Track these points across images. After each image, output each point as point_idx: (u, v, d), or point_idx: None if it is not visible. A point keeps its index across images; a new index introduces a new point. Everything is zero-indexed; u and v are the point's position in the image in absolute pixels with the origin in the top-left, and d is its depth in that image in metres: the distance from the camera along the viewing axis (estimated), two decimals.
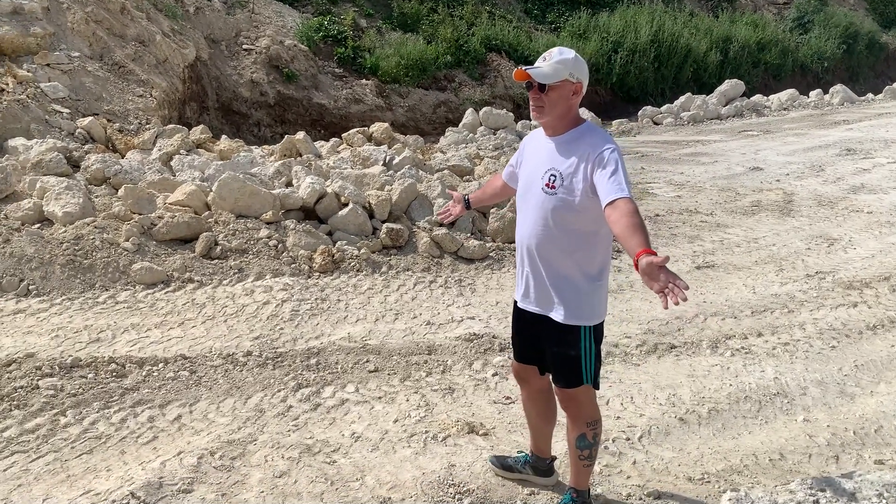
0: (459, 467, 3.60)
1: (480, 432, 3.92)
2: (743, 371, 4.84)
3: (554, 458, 3.58)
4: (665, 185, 10.40)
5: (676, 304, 2.40)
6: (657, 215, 8.66)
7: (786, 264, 6.98)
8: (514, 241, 7.28)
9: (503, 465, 3.60)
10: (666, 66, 19.29)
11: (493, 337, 5.19)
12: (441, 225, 7.27)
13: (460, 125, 14.54)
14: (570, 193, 2.92)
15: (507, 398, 4.35)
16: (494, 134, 14.17)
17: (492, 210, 7.54)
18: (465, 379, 4.61)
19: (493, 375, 4.65)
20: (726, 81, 18.51)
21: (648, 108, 17.37)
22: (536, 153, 3.12)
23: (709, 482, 3.63)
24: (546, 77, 2.95)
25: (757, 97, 18.39)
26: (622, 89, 18.95)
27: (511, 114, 14.89)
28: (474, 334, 5.20)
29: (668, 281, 2.43)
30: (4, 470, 3.51)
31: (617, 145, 2.93)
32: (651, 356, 5.05)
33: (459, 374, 4.69)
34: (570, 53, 3.00)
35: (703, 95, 18.01)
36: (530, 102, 3.04)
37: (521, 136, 14.25)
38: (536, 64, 3.00)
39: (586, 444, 3.19)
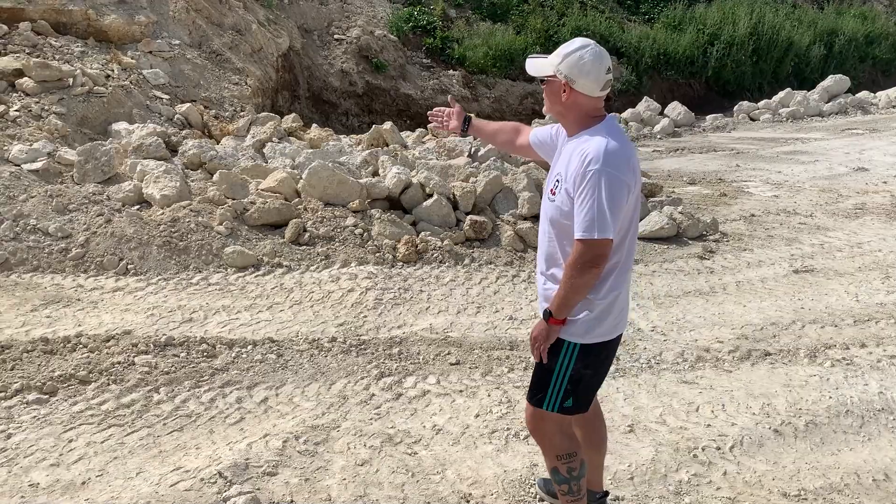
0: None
1: None
2: (844, 383, 4.58)
3: (606, 494, 3.22)
4: (761, 183, 9.97)
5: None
6: (752, 215, 8.30)
7: (893, 272, 6.56)
8: None
9: (549, 491, 3.29)
10: (765, 59, 18.48)
11: None
12: (525, 218, 7.18)
13: (547, 117, 14.36)
14: (565, 202, 2.65)
15: None
16: None
17: None
18: None
19: None
20: (830, 77, 17.58)
21: (745, 103, 16.68)
22: (560, 153, 2.82)
23: (805, 499, 3.45)
24: (532, 69, 2.72)
25: (863, 94, 17.40)
26: (717, 83, 18.28)
27: None
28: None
29: (534, 346, 2.71)
30: (102, 442, 3.65)
31: (612, 162, 2.53)
32: (744, 363, 4.83)
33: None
34: (571, 46, 2.65)
35: (804, 91, 17.16)
36: None
37: None
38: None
39: (561, 478, 2.86)
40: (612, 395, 4.32)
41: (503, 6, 17.13)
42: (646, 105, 15.03)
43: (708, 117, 15.82)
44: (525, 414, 2.94)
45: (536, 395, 2.79)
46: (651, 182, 8.33)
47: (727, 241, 7.39)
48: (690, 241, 7.29)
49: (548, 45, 16.34)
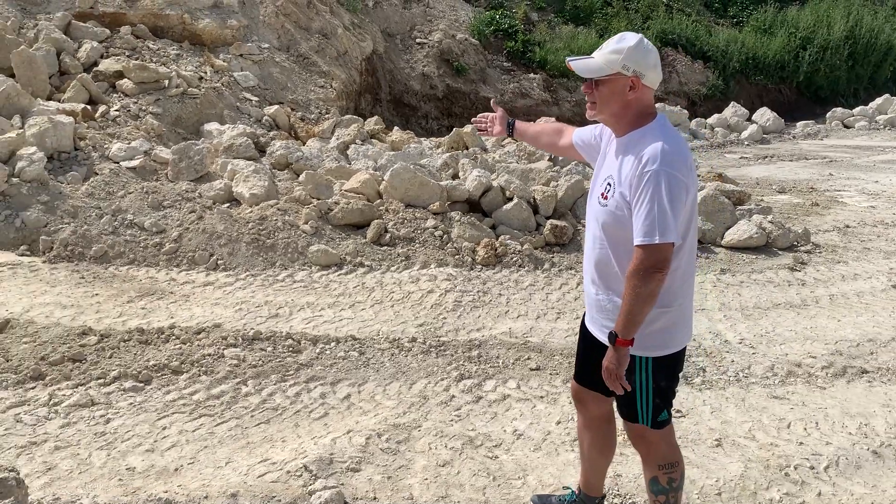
0: (625, 478, 3.46)
1: None
2: None
3: (603, 497, 3.14)
4: (856, 193, 9.54)
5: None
6: (847, 226, 7.95)
7: None
8: None
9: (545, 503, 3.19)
10: (861, 64, 17.71)
11: None
12: None
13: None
14: (620, 206, 2.51)
15: (678, 412, 4.14)
16: None
17: None
18: None
19: None
20: None
21: (839, 109, 16.04)
22: (605, 156, 2.71)
23: None
24: (591, 70, 2.53)
25: None
26: (809, 89, 17.63)
27: (685, 111, 14.28)
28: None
29: (610, 377, 2.54)
30: (193, 431, 3.78)
31: (670, 161, 2.41)
32: (839, 380, 4.62)
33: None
34: (630, 41, 2.52)
35: None
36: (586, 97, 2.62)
37: (695, 135, 13.64)
38: (594, 53, 2.58)
39: (660, 489, 2.73)
40: (699, 408, 4.20)
41: (586, 9, 16.96)
42: (733, 110, 14.62)
43: (798, 124, 15.27)
44: (589, 425, 2.89)
45: (628, 413, 2.71)
46: (739, 190, 8.08)
47: (820, 252, 7.10)
48: (780, 252, 7.03)
49: None
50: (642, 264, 2.41)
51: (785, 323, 5.51)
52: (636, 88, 2.53)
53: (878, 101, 16.11)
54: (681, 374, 2.80)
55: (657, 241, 2.39)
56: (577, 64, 2.58)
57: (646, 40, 2.58)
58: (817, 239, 7.45)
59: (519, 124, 3.23)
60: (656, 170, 2.40)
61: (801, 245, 7.21)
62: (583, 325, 2.88)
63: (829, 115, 15.87)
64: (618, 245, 2.57)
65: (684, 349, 2.72)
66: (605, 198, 2.57)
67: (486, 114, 3.31)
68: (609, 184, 2.58)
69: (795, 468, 3.63)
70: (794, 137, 14.43)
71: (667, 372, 2.65)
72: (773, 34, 17.46)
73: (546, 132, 3.18)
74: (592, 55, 2.58)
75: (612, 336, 2.51)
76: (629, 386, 2.56)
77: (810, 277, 6.45)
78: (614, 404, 2.86)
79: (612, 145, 2.67)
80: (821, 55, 17.20)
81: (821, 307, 5.82)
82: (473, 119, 3.36)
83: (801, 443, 3.87)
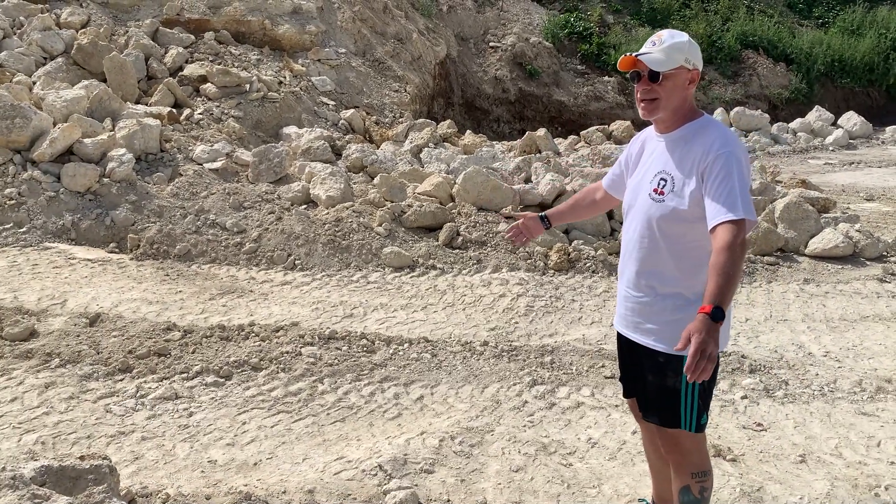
0: None
1: (728, 458, 3.65)
2: None
3: None
4: None
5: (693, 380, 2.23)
6: None
7: None
8: (767, 254, 6.75)
9: None
10: None
11: (743, 357, 4.82)
12: None
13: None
14: (680, 201, 2.50)
15: (759, 425, 4.01)
16: (746, 136, 13.26)
17: None
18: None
19: (742, 398, 4.31)
20: None
21: None
22: (647, 155, 2.70)
23: None
24: (659, 63, 2.53)
25: None
26: None
27: (766, 115, 13.86)
28: (721, 352, 4.85)
29: (704, 358, 2.21)
30: (272, 426, 3.87)
31: (739, 146, 2.49)
32: None
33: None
34: (683, 36, 2.60)
35: None
36: (638, 95, 2.61)
37: (776, 140, 13.21)
38: (644, 49, 2.60)
39: (691, 499, 2.65)
40: (781, 422, 4.06)
41: (663, 11, 16.66)
42: (817, 115, 14.10)
43: (888, 129, 14.59)
44: (656, 438, 2.78)
45: (668, 418, 2.63)
46: (824, 196, 7.78)
47: None
48: (868, 262, 6.74)
49: (711, 51, 15.72)
50: (736, 238, 2.33)
51: (873, 336, 5.28)
52: (695, 82, 2.62)
53: None
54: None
55: (742, 216, 2.36)
56: (648, 58, 2.56)
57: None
58: None
59: (551, 213, 3.20)
60: (731, 151, 2.45)
61: (892, 255, 6.89)
62: (619, 337, 2.80)
63: None
64: (674, 241, 2.54)
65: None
66: (660, 192, 2.55)
67: (513, 225, 3.20)
68: (664, 179, 2.56)
69: (886, 489, 3.46)
70: (883, 143, 13.81)
71: (714, 370, 2.54)
72: (861, 35, 16.76)
73: (581, 202, 3.18)
74: (648, 51, 2.57)
75: (719, 311, 2.26)
76: (709, 374, 2.35)
77: None
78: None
79: (653, 146, 2.69)
80: None
81: None
82: (506, 236, 3.28)
83: (892, 462, 3.70)
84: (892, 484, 3.51)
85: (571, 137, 11.47)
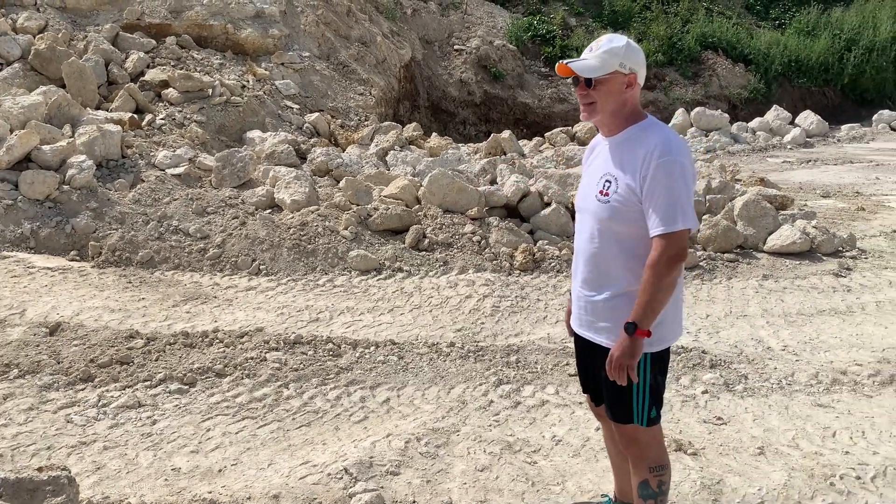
0: None
1: (689, 451, 3.72)
2: None
3: None
4: None
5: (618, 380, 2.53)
6: (894, 231, 7.76)
7: None
8: (727, 251, 6.88)
9: None
10: None
11: (704, 352, 4.91)
12: None
13: (669, 126, 13.98)
14: (624, 202, 2.54)
15: (719, 419, 4.09)
16: (706, 136, 13.49)
17: (704, 217, 7.15)
18: (672, 394, 4.39)
19: (703, 393, 4.39)
20: None
21: (885, 112, 15.68)
22: (595, 157, 2.76)
23: None
24: (592, 70, 2.58)
25: None
26: (854, 91, 17.27)
27: (726, 115, 14.10)
28: (682, 347, 4.95)
29: (620, 368, 2.52)
30: (236, 433, 3.86)
31: (681, 151, 2.51)
32: (887, 388, 4.52)
33: (666, 388, 4.47)
34: (620, 41, 2.62)
35: None
36: (578, 99, 2.67)
37: (736, 139, 13.45)
38: (583, 55, 2.64)
39: (649, 493, 2.72)
40: (741, 416, 4.14)
41: (625, 13, 16.87)
42: (775, 114, 14.39)
43: (843, 127, 14.96)
44: (613, 434, 2.85)
45: (622, 413, 2.71)
46: (782, 194, 7.96)
47: (866, 258, 6.95)
48: (825, 258, 6.91)
49: (671, 53, 15.96)
50: (665, 252, 2.45)
51: (830, 330, 5.41)
52: (632, 86, 2.62)
53: None
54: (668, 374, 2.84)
55: (678, 228, 2.45)
56: (579, 65, 2.61)
57: (632, 41, 2.68)
58: (863, 244, 7.30)
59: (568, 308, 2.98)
60: (671, 159, 2.48)
61: (847, 251, 7.07)
62: (575, 336, 2.85)
63: (875, 118, 15.52)
64: (621, 240, 2.60)
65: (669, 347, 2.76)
66: (606, 194, 2.60)
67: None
68: (608, 181, 2.61)
69: (841, 478, 3.56)
70: (838, 141, 14.15)
71: (661, 367, 2.69)
72: (816, 36, 17.15)
73: None
74: (584, 57, 2.63)
75: (631, 326, 2.50)
76: (636, 378, 2.56)
77: (856, 283, 6.32)
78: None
79: (600, 149, 2.74)
80: (866, 57, 16.84)
81: (867, 314, 5.70)
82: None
83: (846, 452, 3.80)
84: (846, 473, 3.60)
85: (536, 139, 11.58)
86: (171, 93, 9.04)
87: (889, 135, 14.76)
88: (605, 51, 2.60)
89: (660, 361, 2.68)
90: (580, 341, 2.83)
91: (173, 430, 3.87)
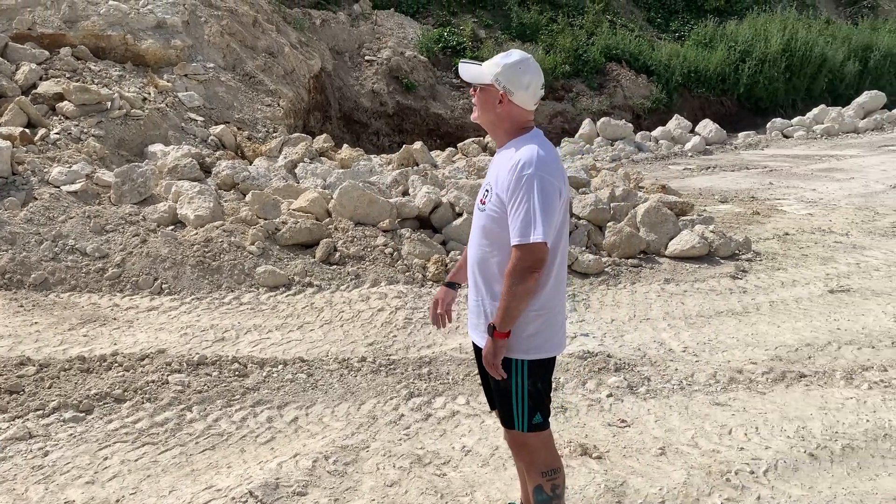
0: (572, 490, 3.50)
1: (594, 455, 3.80)
2: (882, 406, 4.47)
3: None
4: (795, 201, 9.85)
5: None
6: (786, 234, 8.19)
7: None
8: (631, 256, 7.09)
9: None
10: (798, 76, 18.32)
11: (608, 356, 5.04)
12: None
13: (576, 136, 14.35)
14: (497, 210, 2.65)
15: (623, 421, 4.21)
16: (612, 145, 13.90)
17: (608, 224, 7.36)
18: (578, 398, 4.49)
19: (608, 396, 4.51)
20: (865, 93, 17.37)
21: (778, 120, 16.55)
22: (489, 169, 2.86)
23: None
24: (470, 75, 2.71)
25: None
26: (750, 100, 18.16)
27: (630, 125, 14.57)
28: (588, 352, 5.07)
29: (490, 364, 2.65)
30: (136, 460, 3.71)
31: (545, 167, 2.57)
32: (778, 385, 4.75)
33: (572, 392, 4.58)
34: (512, 58, 2.67)
35: (839, 108, 16.96)
36: None
37: (640, 148, 13.90)
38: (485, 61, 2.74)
39: (544, 497, 2.78)
40: (643, 417, 4.27)
41: (532, 26, 17.22)
42: (676, 123, 14.97)
43: (740, 135, 15.69)
44: (505, 437, 2.93)
45: (506, 418, 2.80)
46: (682, 200, 8.27)
47: (760, 260, 7.30)
48: (722, 261, 7.21)
49: (577, 65, 16.38)
50: (519, 263, 2.55)
51: (727, 330, 5.65)
52: (503, 103, 2.67)
53: (815, 111, 16.67)
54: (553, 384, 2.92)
55: (531, 241, 2.53)
56: (463, 67, 2.73)
57: (530, 63, 2.69)
58: (758, 247, 7.66)
59: (451, 276, 3.21)
60: (531, 174, 2.55)
61: (743, 253, 7.40)
62: (473, 343, 2.91)
63: (769, 125, 16.34)
64: (502, 248, 2.68)
65: (555, 358, 2.82)
66: (484, 203, 2.73)
67: (433, 315, 3.16)
68: (486, 190, 2.73)
69: (736, 473, 3.71)
70: (735, 148, 14.83)
71: (541, 375, 2.75)
72: (713, 48, 17.96)
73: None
74: (478, 63, 2.73)
75: (491, 328, 2.63)
76: (504, 374, 2.67)
77: (751, 285, 6.63)
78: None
79: (495, 157, 2.83)
80: (759, 68, 17.73)
81: (761, 314, 5.98)
82: (434, 324, 3.20)
83: (741, 448, 3.97)
84: (741, 468, 3.76)
85: (449, 149, 11.65)
86: (66, 106, 8.66)
87: (782, 141, 15.58)
88: (492, 62, 2.69)
89: (538, 370, 2.74)
90: (475, 346, 2.89)
91: (67, 460, 3.69)
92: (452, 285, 3.19)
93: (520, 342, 2.67)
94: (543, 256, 2.57)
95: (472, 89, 2.76)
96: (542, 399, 2.76)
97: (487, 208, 2.70)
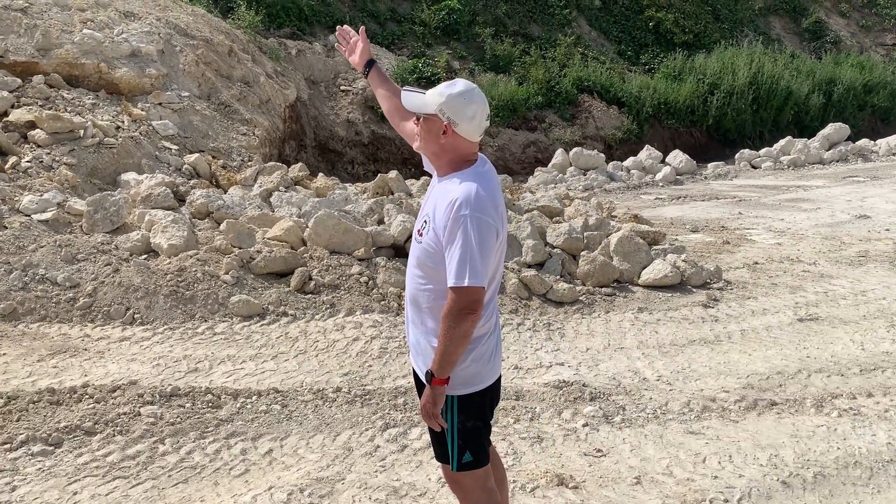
0: None
1: (570, 485, 3.81)
2: (852, 434, 4.55)
3: None
4: (764, 231, 10.03)
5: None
6: (756, 263, 8.33)
7: None
8: (605, 285, 7.17)
9: None
10: (765, 108, 18.75)
11: (584, 385, 5.07)
12: (529, 266, 7.21)
13: (549, 165, 14.52)
14: (433, 245, 2.58)
15: (599, 451, 4.23)
16: (584, 174, 14.07)
17: (582, 253, 7.44)
18: (555, 428, 4.51)
19: (584, 426, 4.53)
20: (830, 125, 17.82)
21: (746, 151, 16.88)
22: (427, 195, 2.77)
23: None
24: (413, 105, 2.61)
25: (863, 141, 17.59)
26: (718, 132, 18.52)
27: (602, 154, 14.79)
28: (564, 381, 5.10)
29: (427, 414, 2.62)
30: (107, 494, 3.64)
31: (480, 206, 2.49)
32: (750, 413, 4.81)
33: (548, 422, 4.59)
34: (456, 88, 2.58)
35: (805, 139, 17.37)
36: None
37: (612, 177, 14.09)
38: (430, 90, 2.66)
39: None
40: (619, 447, 4.29)
41: (505, 58, 17.46)
42: (647, 153, 15.21)
43: (709, 165, 15.98)
44: (442, 472, 2.90)
45: (440, 452, 2.77)
46: (654, 230, 8.39)
47: (731, 289, 7.41)
48: (694, 290, 7.31)
49: (550, 96, 16.63)
50: (455, 305, 2.49)
51: (700, 359, 5.71)
52: (447, 134, 2.58)
53: (782, 142, 17.04)
54: (492, 420, 2.84)
55: (466, 284, 2.45)
56: (406, 95, 2.63)
57: (475, 93, 2.60)
58: (728, 276, 7.78)
59: (376, 70, 3.13)
60: (468, 215, 2.47)
61: (714, 282, 7.51)
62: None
63: (737, 156, 16.66)
64: (428, 281, 2.64)
65: (489, 392, 2.73)
66: (421, 234, 2.64)
67: (349, 31, 3.20)
68: (426, 221, 2.63)
69: (710, 502, 3.75)
70: (705, 178, 15.10)
71: (472, 411, 2.67)
72: (682, 80, 18.33)
73: (391, 98, 3.02)
74: (422, 92, 2.64)
75: (429, 375, 2.58)
76: (445, 423, 2.64)
77: (722, 313, 6.72)
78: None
79: (435, 185, 2.73)
80: (727, 100, 18.12)
81: (733, 342, 6.06)
82: (339, 29, 3.23)
83: (715, 476, 4.00)
84: (715, 497, 3.80)
85: (424, 178, 11.72)
86: (38, 134, 8.58)
87: (750, 172, 15.89)
88: (436, 92, 2.59)
89: (470, 405, 2.66)
90: (414, 373, 2.85)
91: (35, 495, 3.62)
92: (368, 68, 3.12)
93: (453, 378, 2.58)
94: (479, 297, 2.50)
95: (414, 118, 2.67)
96: (473, 437, 2.67)
97: (424, 241, 2.61)
